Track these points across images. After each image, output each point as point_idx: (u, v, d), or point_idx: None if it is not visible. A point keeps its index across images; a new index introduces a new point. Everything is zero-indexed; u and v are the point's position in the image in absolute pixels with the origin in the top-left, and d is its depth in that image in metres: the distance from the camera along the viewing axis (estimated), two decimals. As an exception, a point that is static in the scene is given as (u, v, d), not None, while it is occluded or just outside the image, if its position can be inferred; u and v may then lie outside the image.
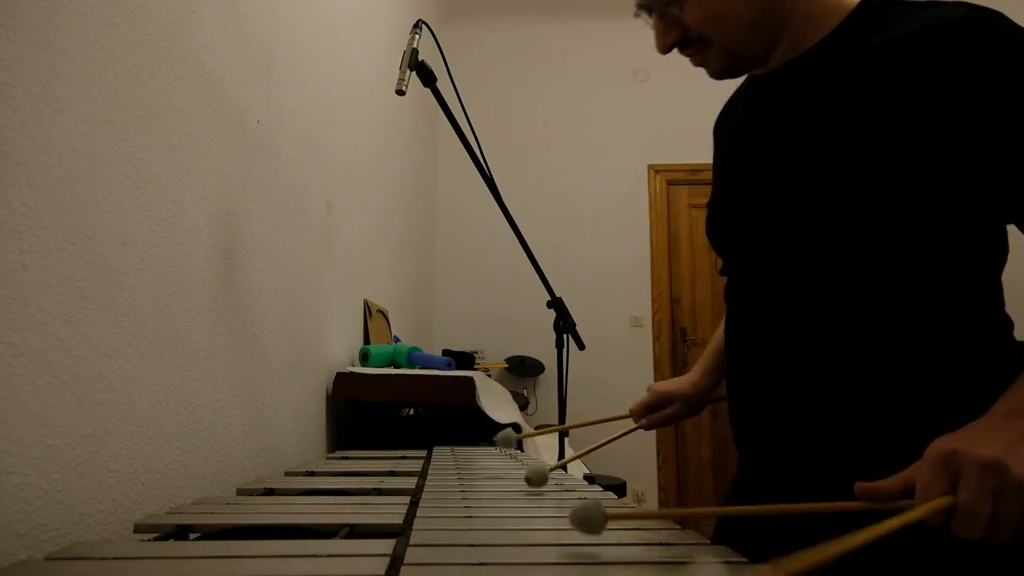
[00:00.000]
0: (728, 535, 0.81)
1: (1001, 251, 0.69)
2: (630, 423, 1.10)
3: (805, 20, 0.74)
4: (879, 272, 0.67)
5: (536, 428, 2.60)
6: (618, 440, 1.09)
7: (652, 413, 1.06)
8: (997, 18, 0.63)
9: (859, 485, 0.54)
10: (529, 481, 0.83)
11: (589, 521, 0.53)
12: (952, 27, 0.63)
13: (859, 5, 0.73)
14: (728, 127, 0.89)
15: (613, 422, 1.16)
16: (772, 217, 0.74)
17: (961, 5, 0.65)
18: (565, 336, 1.57)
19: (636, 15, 0.78)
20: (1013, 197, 0.62)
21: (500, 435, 1.06)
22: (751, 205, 0.77)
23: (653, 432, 3.77)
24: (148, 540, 0.63)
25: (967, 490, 0.49)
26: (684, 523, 0.64)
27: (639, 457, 3.70)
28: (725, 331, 0.85)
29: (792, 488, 0.72)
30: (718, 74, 0.79)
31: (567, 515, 0.54)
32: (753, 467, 0.80)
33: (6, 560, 0.62)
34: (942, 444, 0.52)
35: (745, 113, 0.84)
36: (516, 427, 1.77)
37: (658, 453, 3.76)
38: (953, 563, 0.60)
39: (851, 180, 0.66)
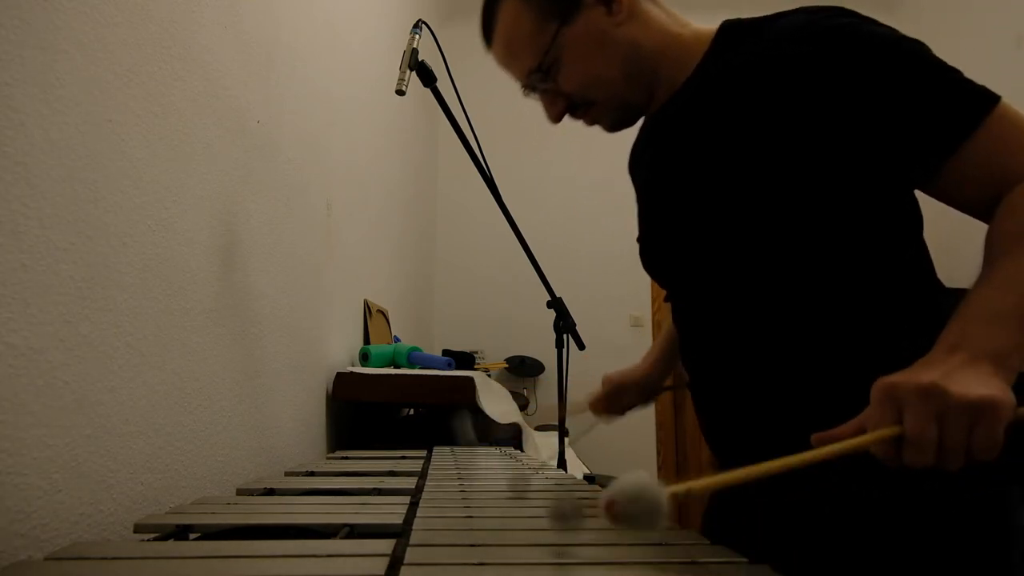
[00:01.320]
0: (714, 531, 0.82)
1: (915, 218, 0.72)
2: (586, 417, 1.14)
3: (671, 60, 0.79)
4: (803, 271, 0.70)
5: (535, 428, 2.60)
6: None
7: (611, 404, 1.11)
8: (833, 12, 0.68)
9: (815, 435, 0.55)
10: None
11: (565, 515, 0.54)
12: (797, 32, 0.68)
13: (718, 33, 0.78)
14: (637, 165, 0.93)
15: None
16: (692, 242, 0.77)
17: (799, 11, 0.70)
18: (565, 336, 1.57)
19: (525, 95, 0.84)
20: (905, 166, 0.66)
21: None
22: (671, 235, 0.81)
23: (653, 432, 3.78)
24: (148, 540, 0.62)
25: (911, 416, 0.50)
26: (684, 523, 0.64)
27: (639, 458, 3.70)
28: (680, 354, 0.88)
29: (771, 488, 0.74)
30: (612, 128, 0.85)
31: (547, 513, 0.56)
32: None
33: (6, 560, 0.62)
34: (885, 379, 0.53)
35: (646, 151, 0.89)
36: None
37: (658, 454, 3.76)
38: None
39: (747, 195, 0.70)
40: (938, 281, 0.73)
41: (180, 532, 0.64)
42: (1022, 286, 0.56)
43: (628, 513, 0.42)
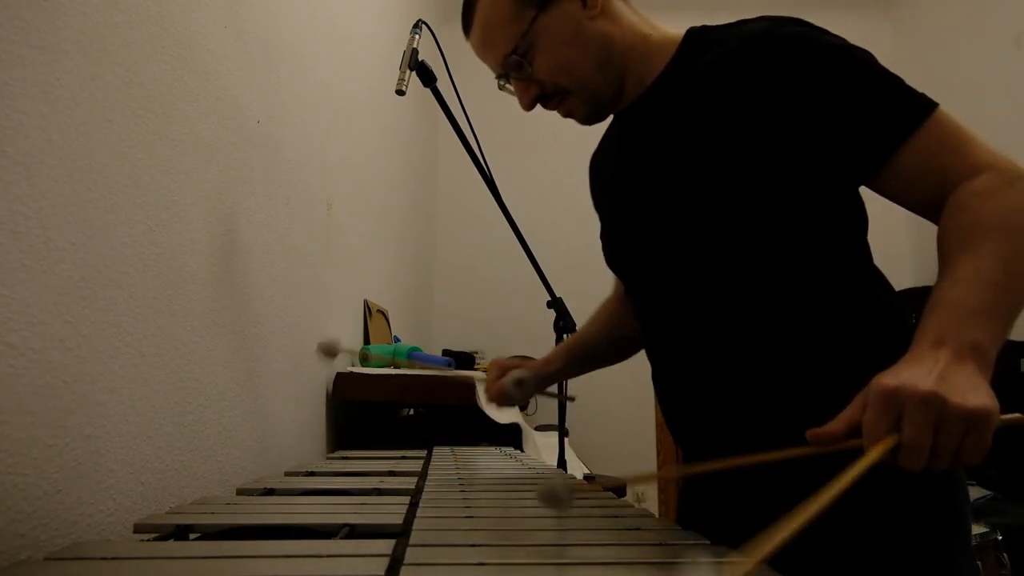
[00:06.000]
0: (689, 520, 0.84)
1: (860, 216, 0.78)
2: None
3: (641, 59, 0.84)
4: (755, 263, 0.75)
5: (535, 428, 2.60)
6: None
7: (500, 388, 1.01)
8: (791, 22, 0.74)
9: (810, 432, 0.57)
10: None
11: (556, 496, 0.56)
12: (757, 38, 0.73)
13: (684, 38, 0.83)
14: (603, 161, 0.99)
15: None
16: (656, 236, 0.82)
17: (762, 19, 0.76)
18: (565, 336, 1.57)
19: (500, 88, 0.89)
20: (853, 163, 0.71)
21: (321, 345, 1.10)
22: (637, 229, 0.85)
23: (652, 432, 3.78)
24: (148, 540, 0.63)
25: (911, 426, 0.52)
26: (684, 523, 0.64)
27: (639, 457, 3.69)
28: (643, 345, 0.92)
29: (734, 472, 0.76)
30: (585, 119, 0.88)
31: (536, 494, 0.58)
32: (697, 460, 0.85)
33: (6, 560, 0.62)
34: (883, 381, 0.55)
35: (613, 148, 0.94)
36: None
37: (658, 454, 3.76)
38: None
39: (707, 191, 0.75)
40: (878, 271, 0.79)
41: (180, 532, 0.64)
42: (984, 282, 0.60)
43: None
